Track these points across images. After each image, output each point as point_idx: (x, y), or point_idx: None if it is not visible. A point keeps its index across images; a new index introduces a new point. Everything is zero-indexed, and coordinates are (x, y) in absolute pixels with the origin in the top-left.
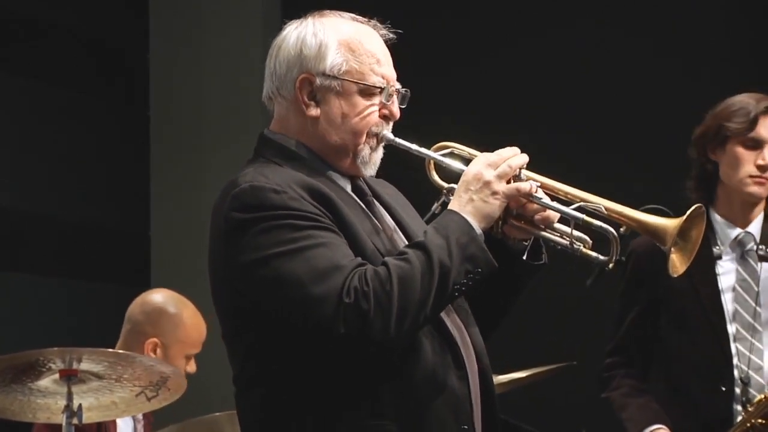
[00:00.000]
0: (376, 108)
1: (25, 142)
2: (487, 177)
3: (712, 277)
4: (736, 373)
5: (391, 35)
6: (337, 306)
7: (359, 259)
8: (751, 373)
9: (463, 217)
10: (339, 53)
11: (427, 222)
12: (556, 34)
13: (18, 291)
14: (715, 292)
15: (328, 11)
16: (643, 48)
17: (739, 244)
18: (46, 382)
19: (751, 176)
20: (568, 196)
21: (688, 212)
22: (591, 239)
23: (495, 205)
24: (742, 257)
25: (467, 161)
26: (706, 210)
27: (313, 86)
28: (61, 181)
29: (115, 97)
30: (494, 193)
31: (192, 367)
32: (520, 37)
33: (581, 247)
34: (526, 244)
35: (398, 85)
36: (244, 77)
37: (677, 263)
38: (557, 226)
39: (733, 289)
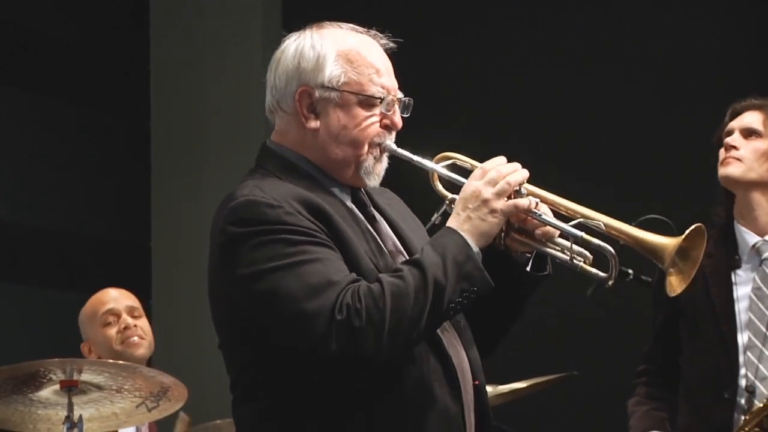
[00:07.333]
0: (377, 118)
1: (26, 155)
2: (485, 195)
3: (728, 286)
4: (742, 382)
5: (392, 44)
6: (329, 322)
7: (353, 275)
8: (757, 382)
9: (460, 236)
10: (337, 64)
11: (428, 231)
12: (560, 51)
13: (19, 302)
14: (729, 301)
15: (327, 23)
16: (640, 70)
17: (756, 253)
18: (46, 393)
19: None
20: (569, 211)
21: (688, 231)
22: (593, 255)
23: (493, 223)
24: (760, 266)
25: (469, 173)
26: (730, 218)
27: (313, 98)
28: (62, 193)
29: (116, 108)
30: (492, 211)
31: (126, 323)
32: (527, 51)
33: (581, 263)
34: (529, 255)
35: (400, 94)
36: (245, 88)
37: (674, 283)
38: (558, 240)
39: (749, 298)
